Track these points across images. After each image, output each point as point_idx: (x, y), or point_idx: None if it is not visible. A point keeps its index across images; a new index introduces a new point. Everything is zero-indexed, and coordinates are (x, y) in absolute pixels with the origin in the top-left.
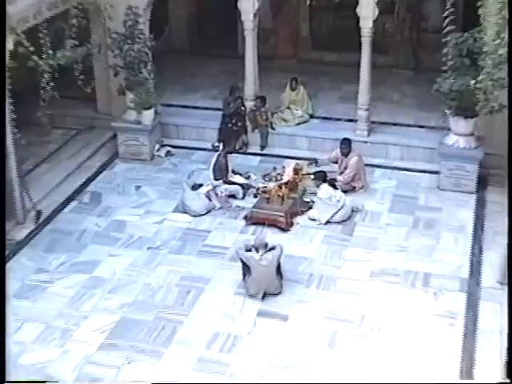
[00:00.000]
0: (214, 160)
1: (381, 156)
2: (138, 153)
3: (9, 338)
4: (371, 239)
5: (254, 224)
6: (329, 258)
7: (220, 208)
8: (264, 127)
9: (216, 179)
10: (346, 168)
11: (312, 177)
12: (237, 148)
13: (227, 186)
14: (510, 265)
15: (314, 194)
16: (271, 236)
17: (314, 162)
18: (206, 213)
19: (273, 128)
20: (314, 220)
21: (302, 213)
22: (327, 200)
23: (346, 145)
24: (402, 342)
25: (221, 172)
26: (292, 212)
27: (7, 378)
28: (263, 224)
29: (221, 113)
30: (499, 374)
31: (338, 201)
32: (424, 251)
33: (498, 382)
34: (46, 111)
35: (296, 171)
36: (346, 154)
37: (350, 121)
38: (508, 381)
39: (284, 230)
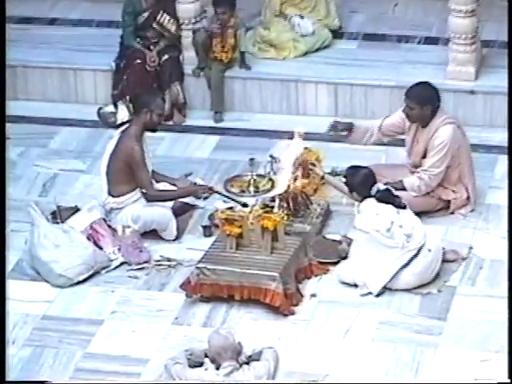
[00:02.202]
0: (110, 148)
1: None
2: None
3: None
4: (492, 327)
5: (205, 300)
6: (392, 375)
7: (122, 264)
8: (220, 67)
9: (113, 195)
10: (424, 156)
11: (343, 179)
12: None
13: (138, 209)
14: (511, 264)
15: (351, 220)
16: (250, 328)
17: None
18: (89, 277)
19: (246, 65)
20: (354, 286)
21: (322, 269)
22: (383, 236)
23: (423, 96)
24: None
25: (139, 177)
26: (298, 268)
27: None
28: (230, 299)
29: (117, 32)
30: None
31: (409, 237)
32: None
33: (499, 382)
34: None
35: (306, 167)
36: (422, 121)
37: (429, 42)
38: (508, 381)
39: (282, 312)
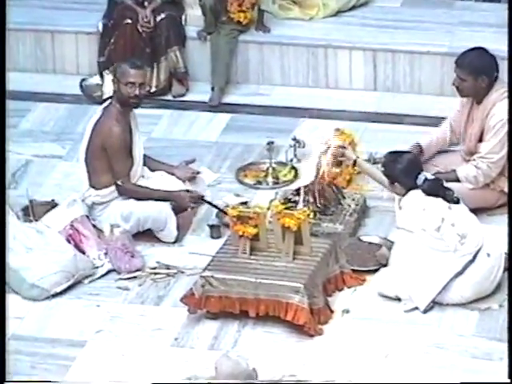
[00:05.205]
0: (89, 128)
1: None
2: None
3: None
4: None
5: (213, 316)
6: None
7: (110, 272)
8: (234, 31)
9: (95, 187)
10: (480, 140)
11: (381, 169)
12: (153, 90)
13: (130, 204)
14: (511, 263)
15: (393, 219)
16: (267, 351)
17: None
18: (69, 288)
19: (264, 26)
20: (396, 300)
21: (357, 279)
22: (432, 237)
23: (477, 64)
24: None
25: (115, 166)
26: (327, 278)
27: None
28: (243, 315)
29: None
30: None
31: (463, 237)
32: None
33: (498, 382)
34: None
35: (337, 153)
36: (476, 95)
37: None
38: (508, 381)
39: (307, 331)
